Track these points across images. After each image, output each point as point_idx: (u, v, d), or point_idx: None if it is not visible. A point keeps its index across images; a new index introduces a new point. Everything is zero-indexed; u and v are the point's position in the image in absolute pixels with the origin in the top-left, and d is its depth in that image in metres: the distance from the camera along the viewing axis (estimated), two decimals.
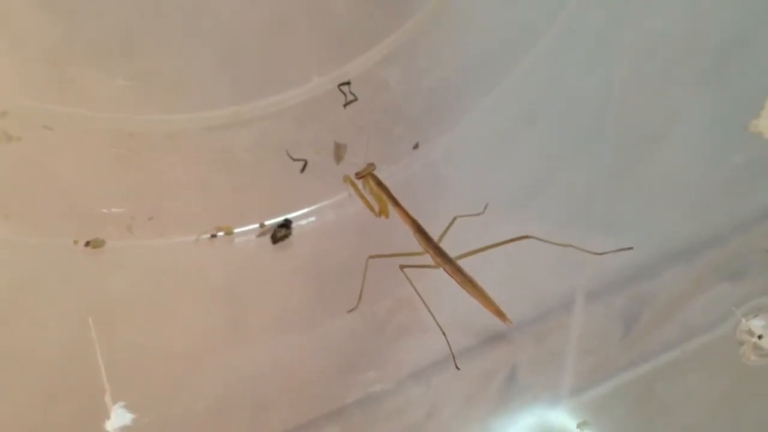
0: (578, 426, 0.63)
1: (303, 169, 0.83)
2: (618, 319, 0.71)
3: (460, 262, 0.71)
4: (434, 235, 0.72)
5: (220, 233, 0.80)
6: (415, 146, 0.84)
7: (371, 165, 0.75)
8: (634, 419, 0.67)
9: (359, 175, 0.74)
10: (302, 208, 0.82)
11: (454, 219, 0.74)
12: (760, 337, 0.61)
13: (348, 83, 0.85)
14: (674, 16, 0.82)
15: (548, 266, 0.74)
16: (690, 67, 0.80)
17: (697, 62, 0.80)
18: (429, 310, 0.67)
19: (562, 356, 0.70)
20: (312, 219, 0.82)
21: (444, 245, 0.72)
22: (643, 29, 0.83)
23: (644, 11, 0.84)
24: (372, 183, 0.74)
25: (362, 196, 0.75)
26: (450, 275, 0.70)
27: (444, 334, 0.67)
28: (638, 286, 0.72)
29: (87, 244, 0.76)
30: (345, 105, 0.85)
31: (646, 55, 0.83)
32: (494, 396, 0.69)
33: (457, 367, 0.68)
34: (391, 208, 0.73)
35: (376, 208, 0.75)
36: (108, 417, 0.64)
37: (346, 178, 0.75)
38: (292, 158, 0.83)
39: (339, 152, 0.84)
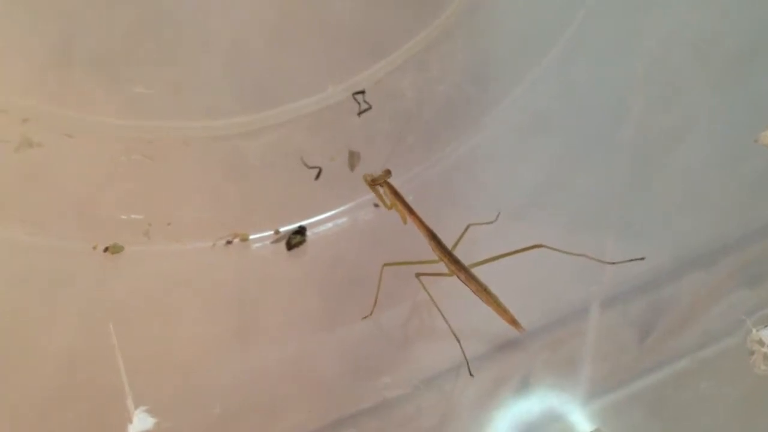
0: None
1: (317, 177, 0.84)
2: (634, 326, 0.71)
3: (474, 270, 0.71)
4: (448, 243, 0.73)
5: (236, 239, 0.81)
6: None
7: (387, 172, 0.75)
8: (649, 426, 0.67)
9: (375, 182, 0.74)
10: (317, 215, 0.83)
11: (468, 227, 0.74)
12: None
13: (362, 92, 0.86)
14: (689, 20, 0.83)
15: (564, 272, 0.74)
16: (707, 71, 0.81)
17: (715, 67, 0.80)
18: (444, 318, 0.68)
19: (577, 363, 0.70)
20: (326, 226, 0.83)
21: (458, 253, 0.73)
22: (657, 34, 0.84)
23: (658, 16, 0.84)
24: (387, 190, 0.75)
25: (377, 193, 0.76)
26: (464, 283, 0.71)
27: (458, 341, 0.68)
28: (655, 293, 0.71)
29: (106, 249, 0.77)
30: (359, 113, 0.86)
31: (660, 60, 0.84)
32: (507, 402, 0.70)
33: (471, 374, 0.69)
34: (406, 215, 0.74)
35: (389, 203, 0.76)
36: (130, 421, 0.65)
37: (365, 178, 0.75)
38: (306, 165, 0.84)
39: (353, 160, 0.85)
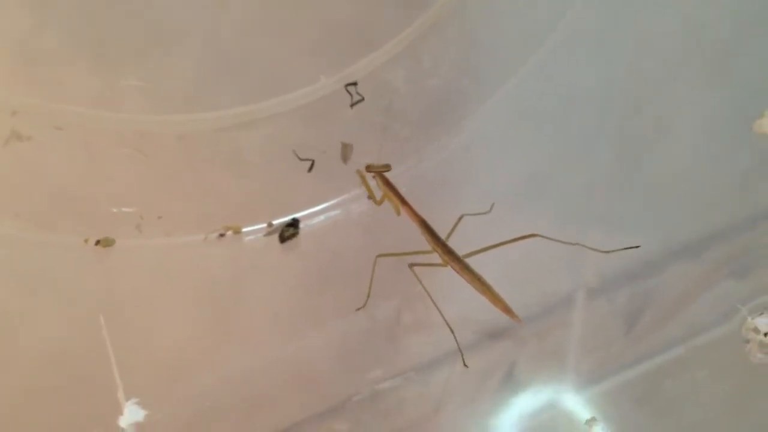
0: (586, 422, 0.63)
1: (310, 169, 0.84)
2: (621, 316, 0.71)
3: (468, 260, 0.71)
4: (442, 234, 0.73)
5: (229, 232, 0.80)
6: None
7: (387, 166, 0.75)
8: (638, 415, 0.67)
9: (369, 169, 0.74)
10: (309, 207, 0.82)
11: (461, 217, 0.74)
12: (766, 334, 0.62)
13: (355, 84, 0.86)
14: (677, 10, 0.83)
15: (551, 262, 0.74)
16: (694, 62, 0.81)
17: (702, 57, 0.81)
18: (438, 309, 0.68)
19: (563, 353, 0.70)
20: (319, 218, 0.82)
21: (451, 243, 0.73)
22: (650, 26, 0.84)
23: (652, 8, 0.84)
24: (380, 182, 0.74)
25: (369, 188, 0.76)
26: (458, 273, 0.71)
27: (452, 332, 0.68)
28: (642, 283, 0.72)
29: (97, 243, 0.76)
30: (352, 105, 0.85)
31: (648, 51, 0.84)
32: (493, 393, 0.69)
33: (465, 365, 0.68)
34: (399, 207, 0.74)
35: (379, 199, 0.76)
36: (121, 413, 0.65)
37: (358, 172, 0.75)
38: (299, 158, 0.83)
39: (345, 152, 0.84)
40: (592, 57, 0.87)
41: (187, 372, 0.73)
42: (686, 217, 0.75)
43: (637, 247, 0.70)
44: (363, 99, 0.85)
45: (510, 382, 0.70)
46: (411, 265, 0.70)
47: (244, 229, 0.81)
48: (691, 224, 0.74)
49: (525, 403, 0.68)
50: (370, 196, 0.77)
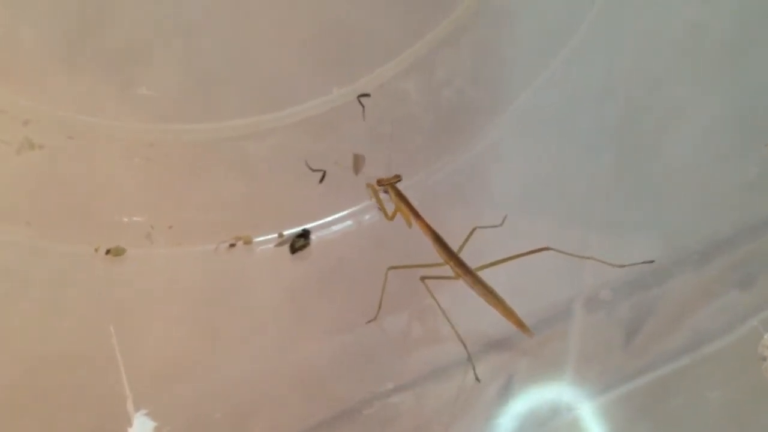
0: None
1: (322, 180, 0.83)
2: (620, 327, 0.70)
3: (480, 273, 0.71)
4: (454, 247, 0.72)
5: (239, 242, 0.80)
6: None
7: (397, 176, 0.75)
8: (639, 428, 0.66)
9: (381, 183, 0.74)
10: (321, 218, 0.82)
11: (474, 230, 0.73)
12: None
13: (367, 95, 0.86)
14: (678, 12, 0.83)
15: (549, 271, 0.73)
16: (699, 65, 0.81)
17: (707, 60, 0.80)
18: (449, 322, 0.67)
19: (562, 365, 0.69)
20: (330, 229, 0.82)
21: (463, 256, 0.72)
22: (665, 37, 0.84)
23: (667, 20, 0.84)
24: (392, 194, 0.74)
25: (380, 203, 0.76)
26: (470, 286, 0.70)
27: (465, 345, 0.67)
28: (643, 293, 0.71)
29: (108, 252, 0.76)
30: (364, 117, 0.85)
31: (652, 54, 0.83)
32: (491, 403, 0.69)
33: (477, 379, 0.67)
34: (411, 219, 0.74)
35: (390, 214, 0.75)
36: (130, 424, 0.64)
37: (369, 186, 0.75)
38: (311, 169, 0.83)
39: (357, 163, 0.84)
40: (599, 62, 0.86)
41: (196, 382, 0.72)
42: (689, 225, 0.74)
43: (651, 261, 0.69)
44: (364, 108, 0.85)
45: (508, 392, 0.69)
46: (423, 278, 0.69)
47: (255, 240, 0.80)
48: (694, 232, 0.73)
49: (523, 413, 0.67)
50: (381, 210, 0.77)
